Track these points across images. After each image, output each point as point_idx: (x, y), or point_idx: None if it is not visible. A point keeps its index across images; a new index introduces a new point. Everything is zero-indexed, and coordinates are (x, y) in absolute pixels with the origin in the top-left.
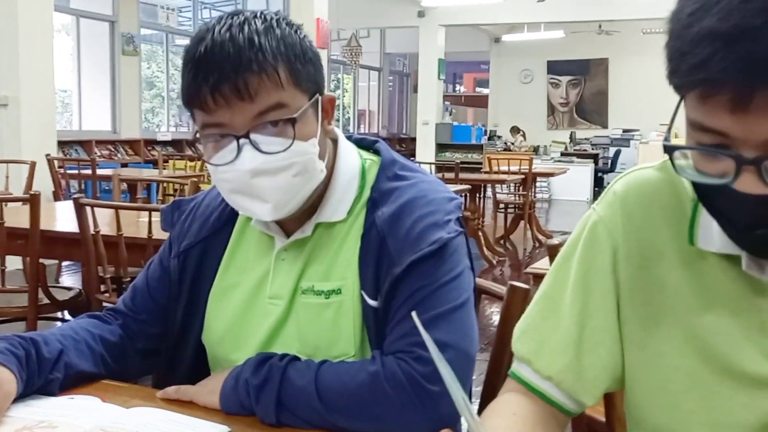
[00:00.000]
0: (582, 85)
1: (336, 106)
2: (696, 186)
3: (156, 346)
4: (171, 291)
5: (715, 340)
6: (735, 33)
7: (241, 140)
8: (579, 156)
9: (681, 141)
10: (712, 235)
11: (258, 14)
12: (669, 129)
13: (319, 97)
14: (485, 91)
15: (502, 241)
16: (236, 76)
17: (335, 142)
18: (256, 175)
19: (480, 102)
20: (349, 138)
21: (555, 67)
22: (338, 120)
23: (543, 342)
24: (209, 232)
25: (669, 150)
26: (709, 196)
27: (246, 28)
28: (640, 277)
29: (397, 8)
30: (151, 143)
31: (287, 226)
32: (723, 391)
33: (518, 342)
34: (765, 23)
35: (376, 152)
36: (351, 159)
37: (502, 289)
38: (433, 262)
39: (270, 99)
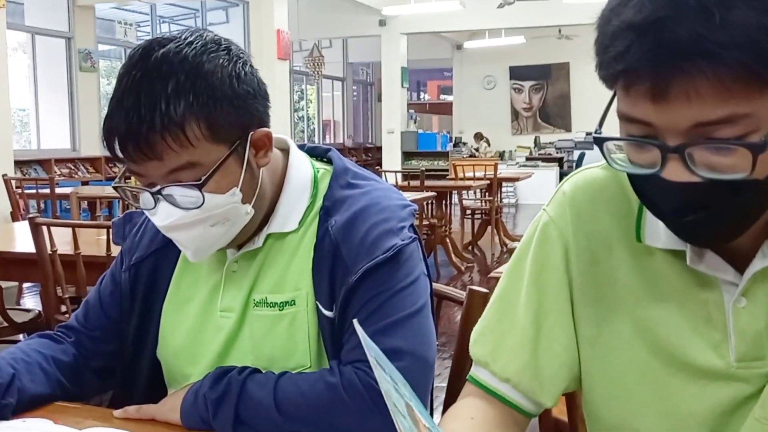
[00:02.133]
0: (544, 90)
1: (300, 119)
2: (629, 177)
3: (111, 363)
4: (123, 305)
5: (664, 333)
6: (645, 24)
7: (155, 196)
8: (544, 160)
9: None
10: (658, 231)
11: (181, 48)
12: (601, 121)
13: (248, 138)
14: (449, 98)
15: (470, 247)
16: (138, 136)
17: (286, 152)
18: (170, 230)
19: (444, 109)
20: (301, 147)
21: (517, 73)
22: (303, 131)
23: (499, 343)
24: (160, 245)
25: (599, 141)
26: (641, 186)
27: (156, 81)
28: (591, 273)
29: (359, 18)
30: (113, 160)
31: (238, 237)
32: (674, 382)
33: (475, 345)
34: (672, 13)
35: (329, 161)
36: (302, 169)
37: (461, 294)
38: (388, 269)
39: (179, 159)
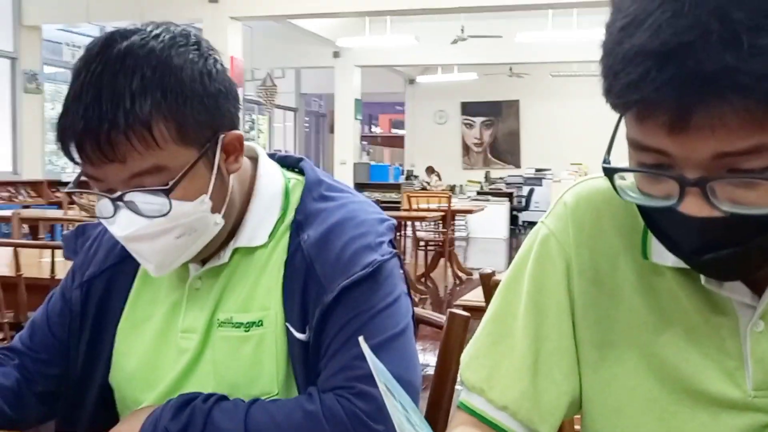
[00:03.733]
0: (495, 126)
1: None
2: (640, 208)
3: (57, 388)
4: (72, 325)
5: (672, 360)
6: (666, 51)
7: (115, 202)
8: (494, 195)
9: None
10: (666, 249)
11: (147, 41)
12: (608, 150)
13: (218, 141)
14: (401, 131)
15: (423, 279)
16: (98, 136)
17: (255, 160)
18: (131, 241)
19: (396, 142)
20: (272, 156)
21: (469, 109)
22: None
23: (495, 368)
24: (116, 260)
25: (609, 172)
26: (654, 218)
27: (120, 75)
28: (594, 293)
29: (313, 48)
30: (56, 185)
31: (203, 251)
32: (682, 412)
33: (468, 370)
34: (696, 40)
35: (301, 171)
36: (273, 179)
37: (440, 318)
38: (367, 287)
39: (143, 162)
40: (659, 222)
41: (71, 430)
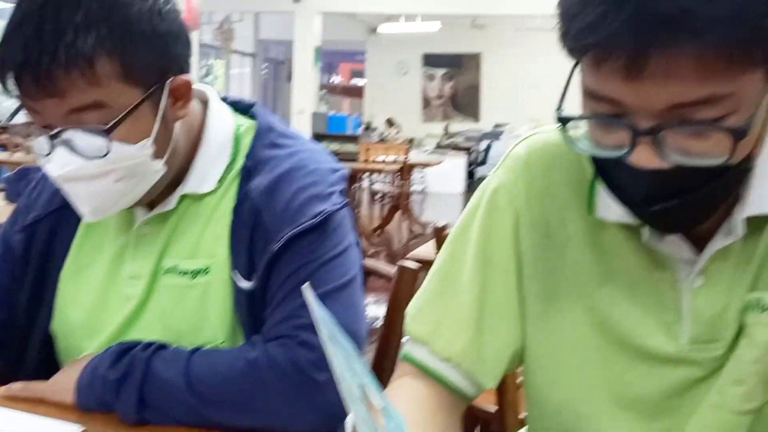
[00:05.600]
0: (456, 79)
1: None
2: (592, 160)
3: (0, 335)
4: (15, 271)
5: (613, 313)
6: None
7: (52, 139)
8: (453, 148)
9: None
10: (611, 204)
11: None
12: (562, 99)
13: (165, 84)
14: (361, 81)
15: (377, 232)
16: (38, 69)
17: (205, 103)
18: (66, 181)
19: (356, 93)
20: (223, 100)
21: (430, 60)
22: None
23: (441, 320)
24: (61, 204)
25: (563, 120)
26: (604, 169)
27: (64, 8)
28: (542, 245)
29: None
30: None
31: (146, 196)
32: (620, 363)
33: (413, 321)
34: None
35: (253, 117)
36: (223, 123)
37: (390, 270)
38: (315, 237)
39: (84, 97)
40: (609, 173)
41: (14, 377)
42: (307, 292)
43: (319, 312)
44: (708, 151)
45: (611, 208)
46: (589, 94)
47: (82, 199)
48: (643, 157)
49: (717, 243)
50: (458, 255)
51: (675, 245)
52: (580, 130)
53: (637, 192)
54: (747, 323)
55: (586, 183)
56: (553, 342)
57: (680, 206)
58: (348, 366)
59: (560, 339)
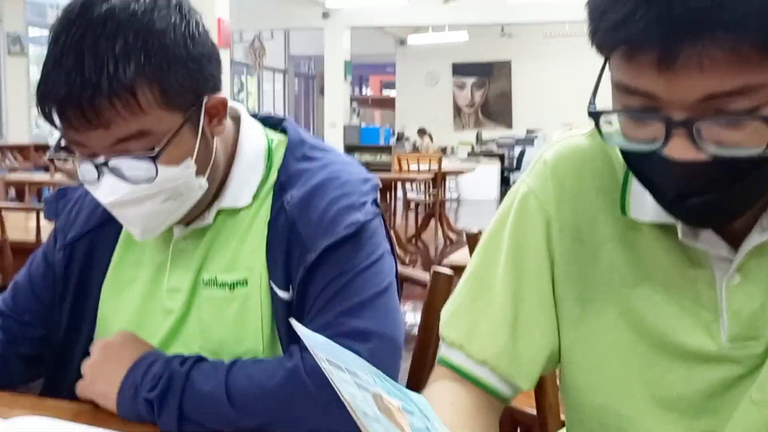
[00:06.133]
0: (486, 87)
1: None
2: (625, 154)
3: (40, 350)
4: (56, 288)
5: (650, 314)
6: None
7: (99, 168)
8: (485, 156)
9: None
10: (644, 204)
11: (128, 3)
12: (594, 94)
13: (202, 104)
14: (392, 93)
15: (413, 241)
16: (81, 101)
17: (237, 120)
18: (116, 207)
19: (387, 104)
20: (254, 116)
21: (460, 69)
22: None
23: (475, 324)
24: (98, 223)
25: (594, 116)
26: (638, 164)
27: (102, 39)
28: (574, 250)
29: (302, 9)
30: (43, 148)
31: (190, 212)
32: (662, 365)
33: (447, 326)
34: None
35: (284, 131)
36: (255, 139)
37: (425, 276)
38: (350, 246)
39: (129, 127)
40: (643, 168)
41: (57, 391)
42: (294, 322)
43: (311, 338)
44: (744, 142)
45: (644, 208)
46: (621, 89)
47: (132, 221)
48: (679, 149)
49: (753, 239)
50: (490, 260)
51: (711, 242)
52: (613, 126)
53: (671, 187)
54: None
55: (616, 185)
56: (590, 345)
57: (716, 200)
58: (355, 383)
59: (598, 342)
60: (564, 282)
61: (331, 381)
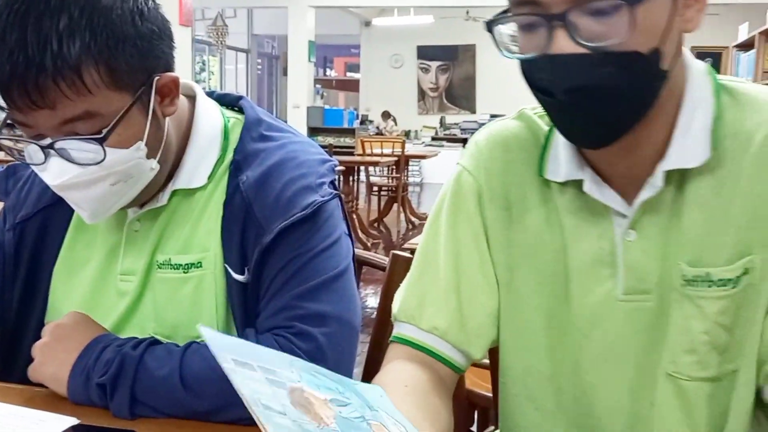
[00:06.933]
0: (451, 71)
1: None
2: (523, 68)
3: None
4: (6, 269)
5: (565, 272)
6: None
7: (46, 150)
8: (449, 140)
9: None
10: (559, 165)
11: None
12: (497, 17)
13: (152, 84)
14: (356, 75)
15: (376, 224)
16: (25, 81)
17: (192, 99)
18: (64, 189)
19: (351, 86)
20: (210, 95)
21: (425, 52)
22: None
23: (424, 297)
24: (51, 201)
25: (490, 25)
26: (534, 77)
27: (46, 16)
28: (503, 217)
29: None
30: None
31: (143, 194)
32: (571, 322)
33: (399, 304)
34: None
35: (241, 110)
36: (211, 118)
37: (383, 260)
38: (307, 228)
39: (75, 108)
40: (535, 75)
41: (7, 374)
42: (202, 328)
43: (217, 341)
44: (612, 31)
45: (558, 169)
46: (513, 3)
47: (80, 204)
48: (560, 44)
49: (644, 194)
50: (433, 236)
51: (610, 198)
52: (512, 50)
53: (560, 83)
54: (694, 295)
55: (539, 154)
56: (517, 308)
57: (600, 95)
58: (266, 379)
59: (523, 304)
60: (496, 249)
61: (230, 380)
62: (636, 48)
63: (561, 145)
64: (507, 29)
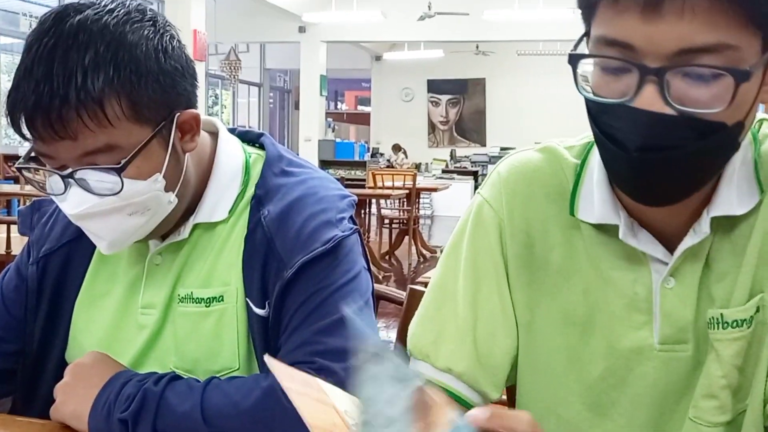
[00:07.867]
0: (461, 104)
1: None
2: (593, 109)
3: (12, 365)
4: (29, 302)
5: (592, 315)
6: None
7: (66, 179)
8: (459, 173)
9: None
10: (592, 205)
11: (101, 15)
12: (576, 45)
13: (173, 120)
14: (367, 108)
15: (387, 257)
16: (49, 112)
17: (215, 135)
18: (82, 219)
19: (362, 119)
20: (232, 131)
21: (435, 86)
22: None
23: (440, 333)
24: (73, 236)
25: (573, 59)
26: (603, 118)
27: (73, 50)
28: (525, 255)
29: (278, 23)
30: (12, 159)
31: (160, 227)
32: (597, 366)
33: (413, 339)
34: None
35: (262, 146)
36: (233, 154)
37: (400, 294)
38: (328, 263)
39: (96, 140)
40: (608, 122)
41: (28, 407)
42: (268, 359)
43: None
44: (709, 100)
45: (591, 210)
46: (601, 42)
47: (98, 234)
48: (648, 100)
49: (687, 242)
50: (451, 270)
51: (648, 243)
52: (586, 82)
53: (634, 138)
54: (711, 338)
55: (565, 193)
56: (537, 348)
57: (672, 159)
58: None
59: (543, 345)
60: (516, 287)
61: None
62: (724, 120)
63: (596, 184)
64: (583, 65)
